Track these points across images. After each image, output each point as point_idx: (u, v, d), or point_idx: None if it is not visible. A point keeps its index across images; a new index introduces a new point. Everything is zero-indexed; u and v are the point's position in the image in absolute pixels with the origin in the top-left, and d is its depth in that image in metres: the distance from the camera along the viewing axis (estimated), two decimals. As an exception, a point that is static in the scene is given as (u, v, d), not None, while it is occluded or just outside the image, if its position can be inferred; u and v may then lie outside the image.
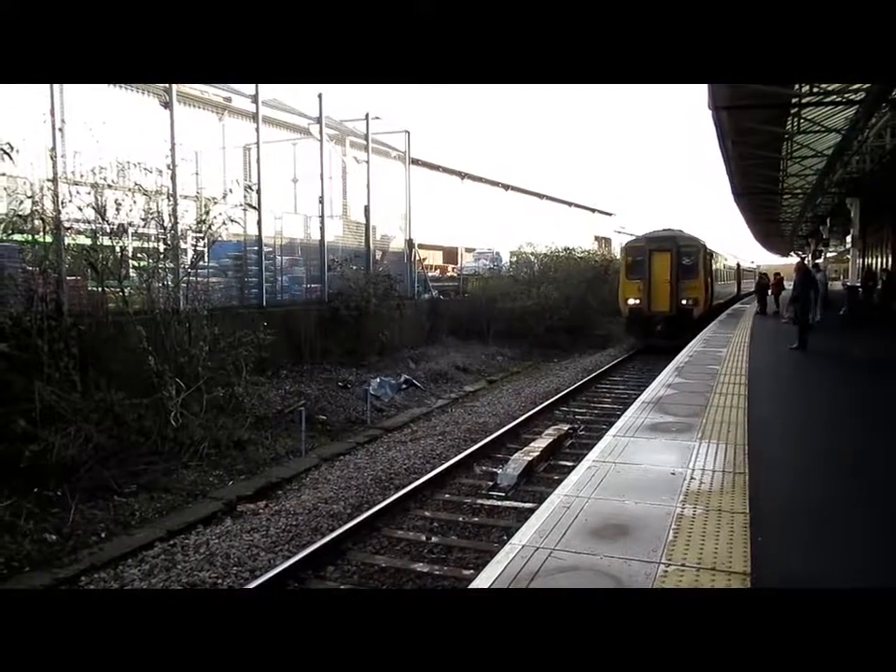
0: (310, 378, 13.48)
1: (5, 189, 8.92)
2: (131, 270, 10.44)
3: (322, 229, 16.06)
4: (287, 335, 13.57)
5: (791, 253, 60.38)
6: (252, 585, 5.89)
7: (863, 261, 30.89)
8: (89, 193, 9.49)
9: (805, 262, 18.76)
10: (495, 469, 9.21)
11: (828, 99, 13.82)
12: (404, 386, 14.86)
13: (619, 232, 46.53)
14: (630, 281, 21.93)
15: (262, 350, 11.05)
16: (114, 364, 9.28)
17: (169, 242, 10.69)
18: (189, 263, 11.04)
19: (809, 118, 16.26)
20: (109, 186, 9.70)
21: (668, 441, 6.35)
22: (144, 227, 10.33)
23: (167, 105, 11.87)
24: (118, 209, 9.71)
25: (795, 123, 16.29)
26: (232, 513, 8.03)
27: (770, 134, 17.04)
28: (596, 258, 32.31)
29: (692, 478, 5.14)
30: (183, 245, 11.11)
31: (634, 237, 25.21)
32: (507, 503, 8.13)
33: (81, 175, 9.50)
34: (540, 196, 37.61)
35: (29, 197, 8.88)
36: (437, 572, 6.38)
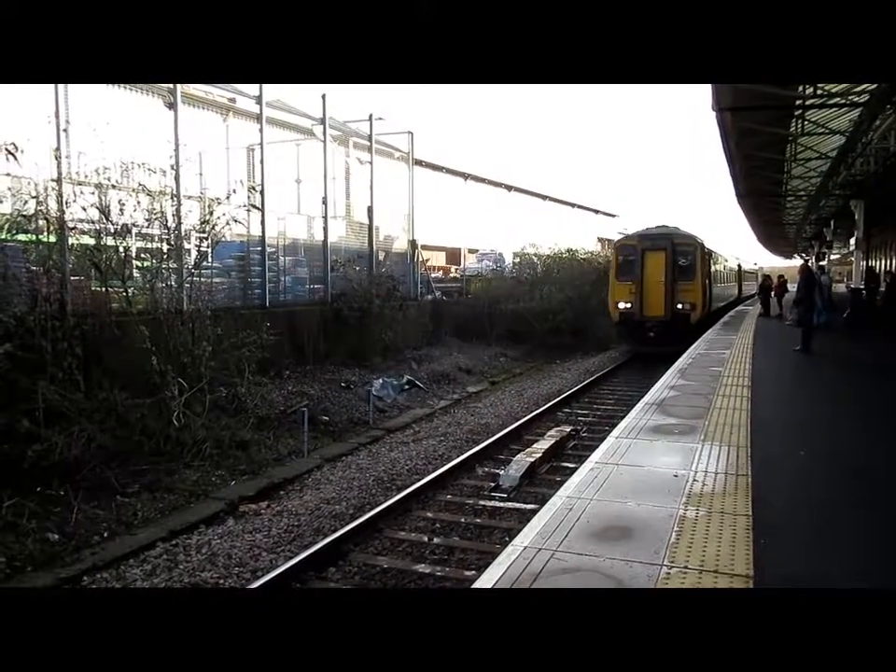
0: (312, 379, 13.48)
1: (9, 189, 8.94)
2: (134, 270, 10.45)
3: (325, 229, 16.07)
4: (289, 336, 13.59)
5: (795, 255, 60.26)
6: (253, 586, 5.89)
7: (867, 264, 30.81)
8: (93, 193, 9.51)
9: (809, 265, 18.71)
10: (497, 471, 9.20)
11: (832, 101, 13.79)
12: (407, 387, 14.86)
13: (622, 234, 46.47)
14: (621, 283, 20.14)
15: (265, 350, 11.06)
16: (117, 364, 9.29)
17: (172, 242, 10.71)
18: (192, 264, 11.06)
19: (813, 119, 16.22)
20: (113, 186, 9.72)
21: (671, 442, 6.33)
22: (147, 227, 10.35)
23: (171, 105, 11.89)
24: (121, 209, 9.74)
25: (799, 125, 16.25)
26: (234, 513, 8.03)
27: (774, 136, 17.02)
28: (599, 259, 32.29)
29: (694, 480, 5.12)
30: (186, 246, 11.12)
31: (625, 234, 23.47)
32: (509, 504, 8.12)
33: (85, 176, 9.53)
34: (543, 197, 37.63)
35: (33, 197, 8.91)
36: (439, 573, 6.37)
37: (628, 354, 20.64)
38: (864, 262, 27.06)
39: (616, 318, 20.29)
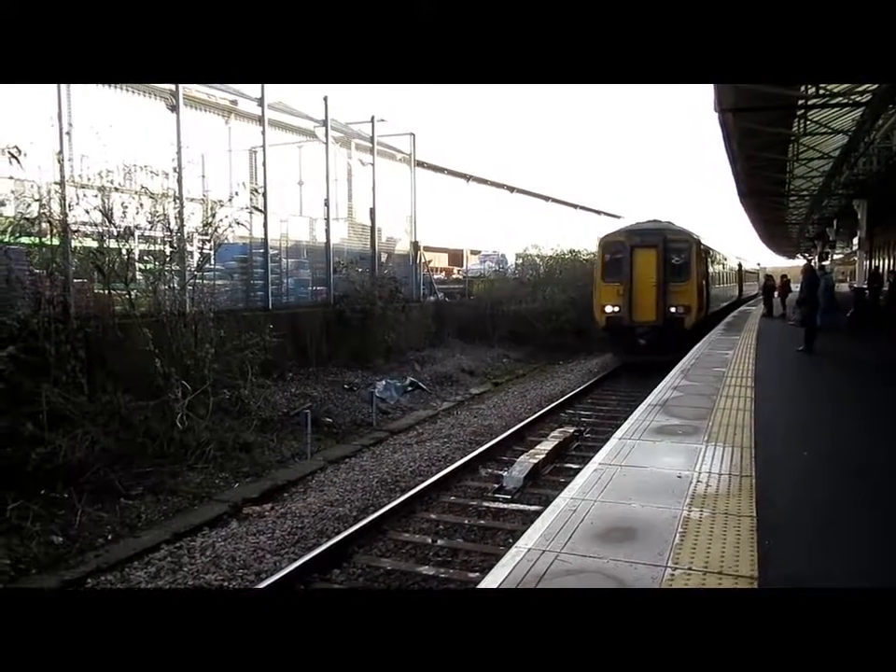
0: (315, 380, 13.49)
1: (13, 192, 8.97)
2: (137, 272, 10.47)
3: (328, 231, 16.08)
4: (292, 338, 13.59)
5: (798, 255, 60.17)
6: (257, 587, 5.89)
7: (870, 263, 30.76)
8: (96, 196, 9.53)
9: (812, 264, 18.64)
10: (500, 472, 9.20)
11: (834, 101, 13.79)
12: (410, 389, 14.86)
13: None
14: (607, 284, 18.21)
15: (268, 352, 11.07)
16: (120, 367, 9.30)
17: (175, 244, 10.72)
18: (195, 266, 11.07)
19: (815, 119, 16.22)
20: (116, 189, 9.73)
21: (674, 443, 6.32)
22: (150, 230, 10.37)
23: (174, 108, 11.90)
24: (124, 212, 9.75)
25: (801, 125, 16.24)
26: (238, 516, 8.03)
27: (776, 136, 17.01)
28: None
29: (698, 481, 5.11)
30: (189, 248, 11.14)
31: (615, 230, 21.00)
32: (512, 506, 8.11)
33: (88, 179, 9.54)
34: (546, 198, 37.60)
35: (36, 200, 8.92)
36: (443, 575, 6.37)
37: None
38: (867, 262, 27.01)
39: (602, 324, 18.47)
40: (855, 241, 25.17)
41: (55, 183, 9.28)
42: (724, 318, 23.36)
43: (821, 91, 13.26)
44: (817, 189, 23.73)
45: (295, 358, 13.74)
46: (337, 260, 16.34)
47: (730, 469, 5.42)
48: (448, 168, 29.07)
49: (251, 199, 12.07)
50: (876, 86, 11.70)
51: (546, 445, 9.90)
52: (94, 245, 9.78)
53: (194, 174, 11.83)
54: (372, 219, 18.18)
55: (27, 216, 8.90)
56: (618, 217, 48.62)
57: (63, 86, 9.61)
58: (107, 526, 7.40)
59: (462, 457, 9.79)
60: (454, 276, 28.53)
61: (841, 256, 46.06)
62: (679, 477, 5.22)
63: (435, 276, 24.36)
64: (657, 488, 4.96)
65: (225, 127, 17.01)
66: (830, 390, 9.90)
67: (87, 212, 9.47)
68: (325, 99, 16.13)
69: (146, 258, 10.78)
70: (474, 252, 31.02)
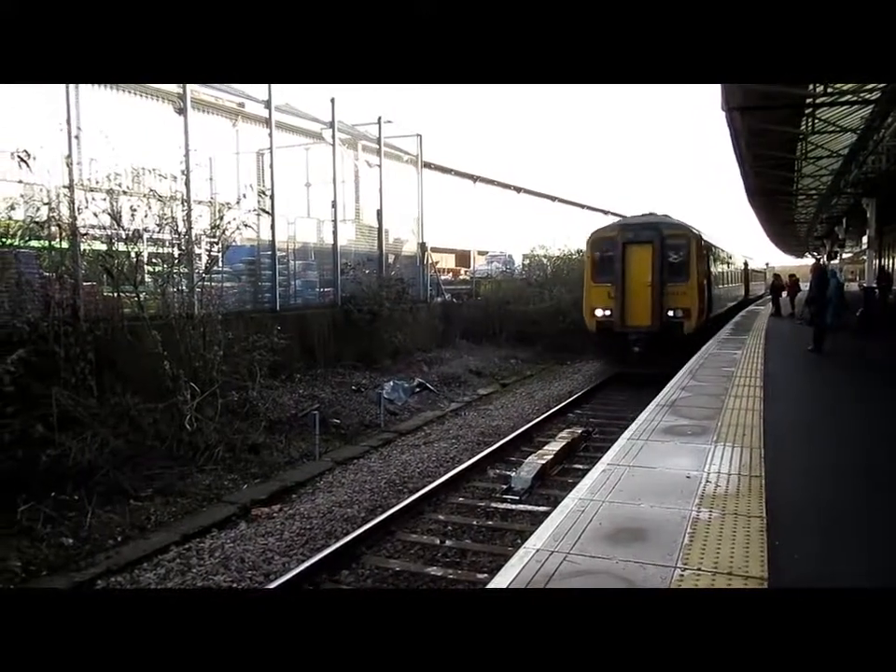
0: (323, 382, 13.51)
1: (22, 196, 9.02)
2: (146, 275, 10.52)
3: (335, 233, 16.11)
4: (300, 339, 13.62)
5: (807, 254, 59.88)
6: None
7: (879, 262, 30.56)
8: (104, 199, 9.57)
9: (822, 263, 18.52)
10: (508, 473, 9.20)
11: (843, 99, 13.70)
12: (417, 390, 14.86)
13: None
14: (597, 285, 16.65)
15: (276, 354, 11.09)
16: (129, 369, 9.35)
17: (183, 247, 10.76)
18: (203, 268, 11.11)
19: (824, 118, 16.12)
20: (124, 192, 9.77)
21: (683, 443, 6.31)
22: (158, 232, 10.41)
23: (181, 111, 11.95)
24: (133, 215, 9.79)
25: (810, 123, 16.15)
26: (247, 517, 8.05)
27: (784, 135, 16.91)
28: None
29: (707, 481, 5.10)
30: (197, 251, 11.17)
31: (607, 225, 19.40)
32: (521, 507, 8.11)
33: (97, 182, 9.59)
34: (553, 198, 37.51)
35: (46, 204, 8.98)
36: (451, 576, 6.38)
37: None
38: (877, 261, 26.85)
39: (592, 328, 16.84)
40: (864, 239, 25.03)
41: (64, 186, 9.33)
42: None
43: (830, 90, 13.18)
44: (825, 188, 23.60)
45: (303, 360, 13.77)
46: (344, 262, 16.36)
47: (739, 469, 5.40)
48: (455, 169, 29.03)
49: (259, 201, 12.11)
50: (885, 83, 11.63)
51: (554, 446, 9.89)
52: (103, 248, 9.82)
53: (202, 176, 11.88)
54: (379, 221, 18.20)
55: (37, 219, 8.96)
56: (625, 216, 48.54)
57: (71, 90, 9.66)
58: (117, 528, 7.43)
59: (470, 458, 9.80)
60: (461, 277, 28.53)
61: (850, 255, 45.82)
62: (688, 477, 5.21)
63: (442, 277, 24.36)
64: (666, 489, 4.95)
65: (232, 129, 17.02)
66: (839, 390, 9.85)
67: (96, 215, 9.51)
68: (332, 101, 16.16)
69: (154, 260, 10.83)
70: (481, 253, 30.97)
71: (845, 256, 40.04)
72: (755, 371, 10.74)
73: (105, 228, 9.71)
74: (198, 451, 9.27)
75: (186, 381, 9.50)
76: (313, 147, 18.52)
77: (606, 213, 45.50)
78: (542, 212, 35.57)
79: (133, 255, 10.00)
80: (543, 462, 9.04)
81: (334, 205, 16.15)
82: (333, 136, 16.31)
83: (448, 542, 7.16)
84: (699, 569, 3.59)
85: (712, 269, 19.02)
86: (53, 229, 9.21)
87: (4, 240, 8.96)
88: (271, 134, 14.03)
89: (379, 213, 18.21)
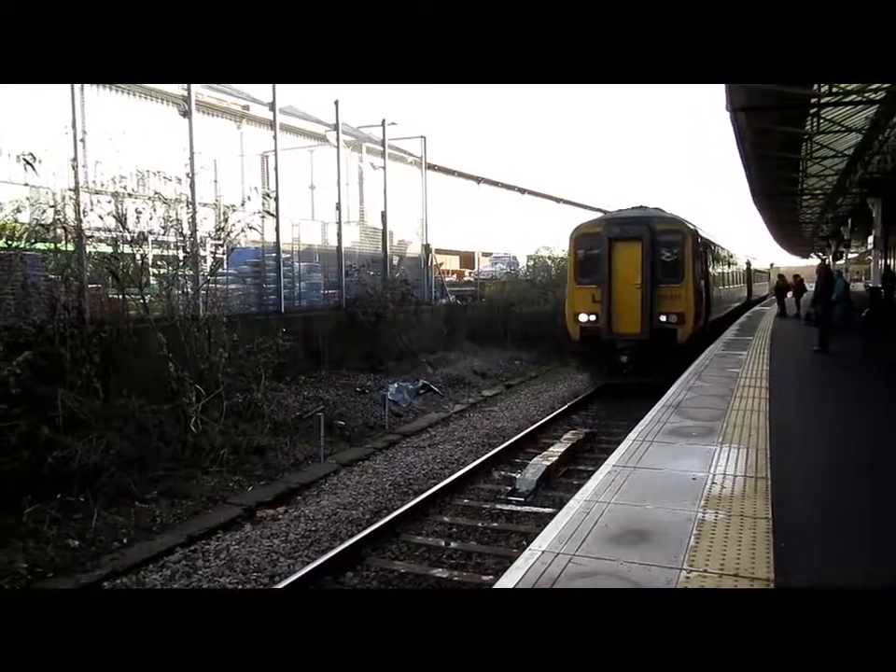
0: (328, 383, 13.52)
1: (28, 198, 9.06)
2: (151, 277, 10.54)
3: (339, 235, 16.12)
4: (305, 341, 13.64)
5: (812, 254, 59.69)
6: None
7: (885, 262, 30.46)
8: (109, 202, 9.60)
9: (828, 264, 18.47)
10: (513, 474, 9.19)
11: (847, 99, 13.67)
12: (422, 391, 14.86)
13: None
14: (581, 287, 14.84)
15: (281, 356, 11.11)
16: (135, 371, 9.36)
17: (188, 249, 10.78)
18: (208, 270, 11.14)
19: (829, 117, 16.10)
20: (130, 195, 9.81)
21: (689, 445, 6.29)
22: (163, 235, 10.44)
23: (186, 113, 11.98)
24: (138, 217, 9.81)
25: (815, 123, 16.13)
26: (252, 519, 8.06)
27: (789, 135, 16.90)
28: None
29: (713, 483, 5.08)
30: (202, 253, 11.20)
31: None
32: (526, 508, 8.10)
33: (102, 185, 9.62)
34: (557, 199, 37.53)
35: (51, 206, 9.01)
36: (456, 577, 6.37)
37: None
38: (882, 261, 26.74)
39: (576, 336, 15.04)
40: (870, 240, 24.95)
41: (69, 189, 9.37)
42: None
43: (834, 90, 13.16)
44: (830, 188, 23.55)
45: (307, 362, 13.78)
46: (349, 264, 16.37)
47: (745, 470, 5.38)
48: (459, 170, 29.07)
49: (263, 203, 12.13)
50: (890, 83, 11.59)
51: (559, 447, 9.87)
52: (108, 250, 9.86)
53: (207, 179, 11.90)
54: (384, 222, 18.21)
55: (42, 222, 8.99)
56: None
57: (76, 94, 9.71)
58: (123, 530, 7.44)
59: (475, 460, 9.79)
60: (465, 279, 28.53)
61: (856, 255, 45.67)
62: (694, 479, 5.19)
63: (446, 279, 24.36)
64: (671, 490, 4.93)
65: (237, 132, 17.10)
66: (844, 390, 9.81)
67: (101, 217, 9.55)
68: (336, 103, 16.18)
69: (159, 262, 10.86)
70: (485, 254, 30.99)
71: (850, 256, 39.90)
72: (761, 372, 10.71)
73: (110, 230, 9.74)
74: (203, 453, 9.28)
75: (191, 383, 9.52)
76: (317, 150, 18.58)
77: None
78: (546, 213, 35.59)
79: (138, 257, 10.02)
80: (548, 464, 9.03)
81: (338, 207, 16.17)
82: (338, 138, 16.33)
83: (453, 544, 7.14)
84: (705, 571, 3.57)
85: (711, 269, 17.54)
86: (59, 231, 9.24)
87: (10, 242, 8.99)
88: (275, 137, 14.04)
89: (383, 215, 18.22)
